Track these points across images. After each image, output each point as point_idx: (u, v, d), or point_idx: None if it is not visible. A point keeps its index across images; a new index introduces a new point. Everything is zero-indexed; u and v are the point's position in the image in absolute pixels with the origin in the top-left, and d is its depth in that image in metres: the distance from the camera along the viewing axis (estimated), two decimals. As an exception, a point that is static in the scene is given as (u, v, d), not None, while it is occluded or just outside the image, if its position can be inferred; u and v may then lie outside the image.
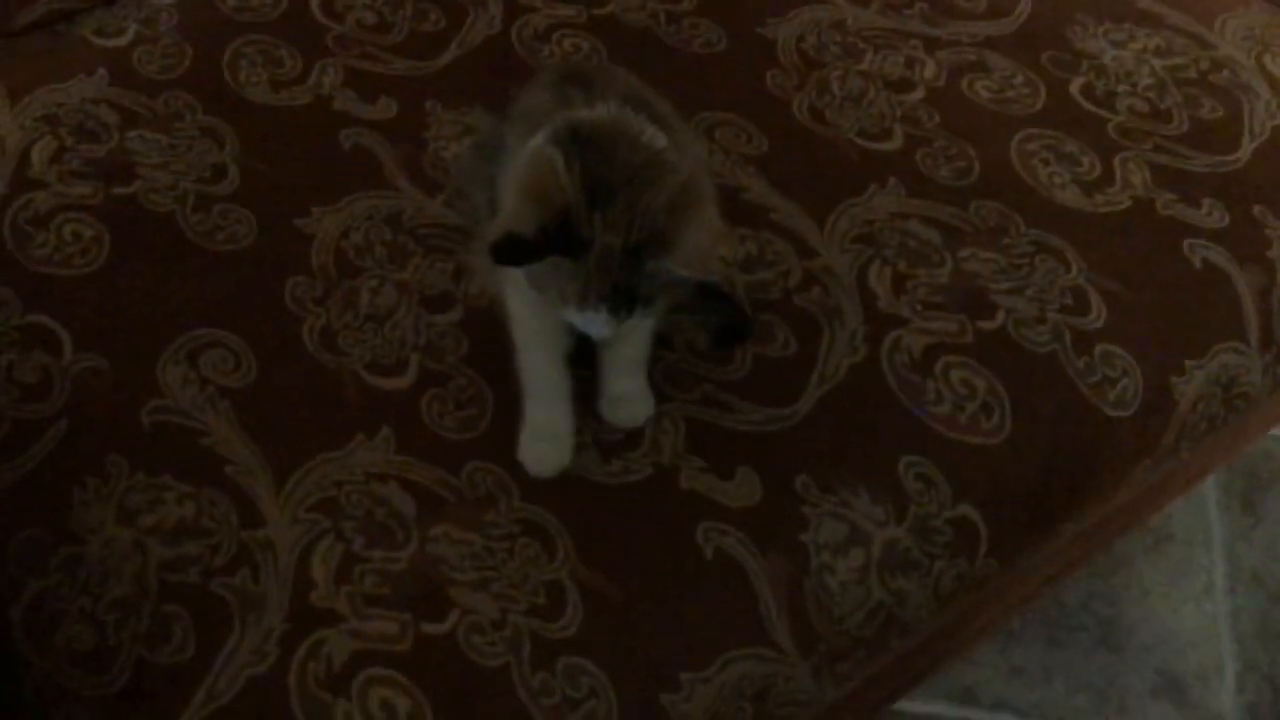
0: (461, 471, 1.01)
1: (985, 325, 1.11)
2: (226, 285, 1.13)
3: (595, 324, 0.90)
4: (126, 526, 0.98)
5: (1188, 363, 1.13)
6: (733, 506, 1.00)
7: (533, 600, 0.95)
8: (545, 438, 1.01)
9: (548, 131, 0.91)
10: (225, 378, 1.06)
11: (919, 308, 1.12)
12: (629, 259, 0.87)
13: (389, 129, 1.26)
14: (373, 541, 0.97)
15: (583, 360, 1.02)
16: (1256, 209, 1.21)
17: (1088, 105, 1.30)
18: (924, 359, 1.09)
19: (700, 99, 1.27)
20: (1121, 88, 1.32)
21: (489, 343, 1.09)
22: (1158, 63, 1.35)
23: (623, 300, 0.88)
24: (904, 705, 1.47)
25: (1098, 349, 1.11)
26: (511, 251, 0.87)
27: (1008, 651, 1.55)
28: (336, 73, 1.31)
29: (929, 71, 1.33)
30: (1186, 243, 1.18)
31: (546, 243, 0.86)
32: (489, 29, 1.36)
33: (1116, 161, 1.24)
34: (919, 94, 1.31)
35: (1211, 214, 1.21)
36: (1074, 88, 1.32)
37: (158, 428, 1.03)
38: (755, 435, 1.04)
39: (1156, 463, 1.15)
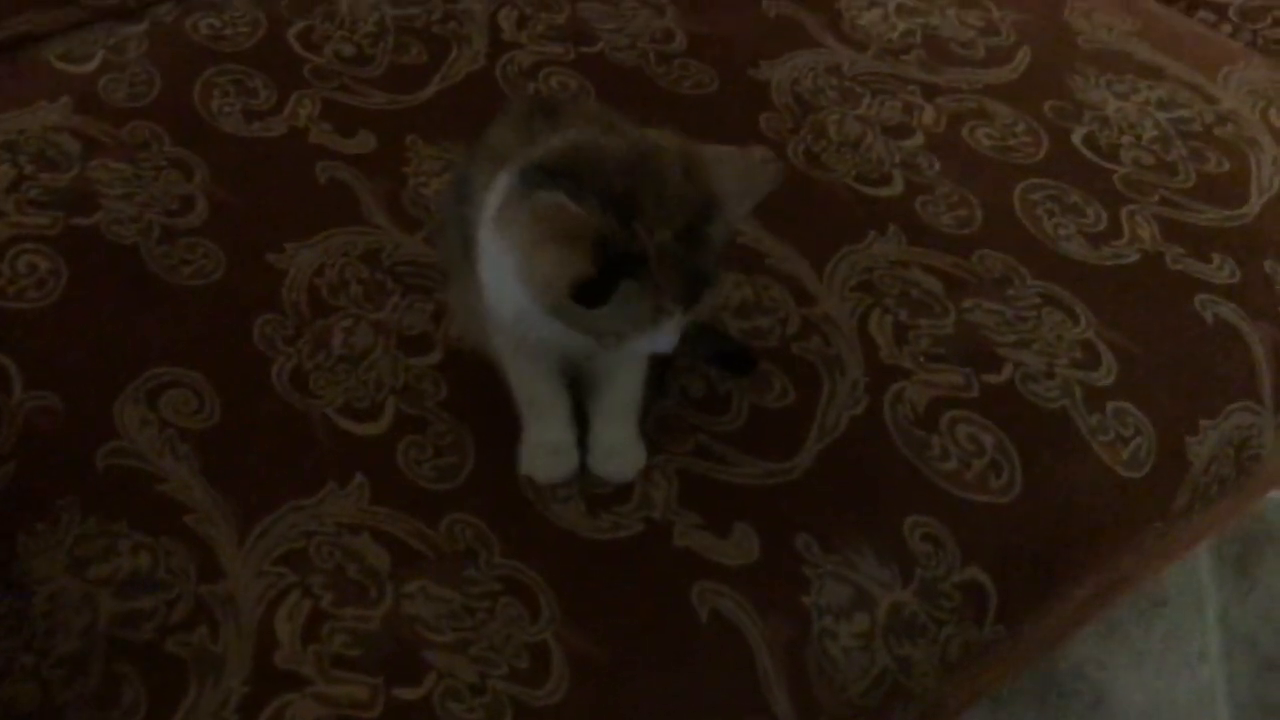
0: (440, 524, 0.94)
1: (992, 379, 1.06)
2: (191, 322, 1.06)
3: (669, 331, 0.85)
4: (76, 577, 0.90)
5: (1202, 422, 1.09)
6: (730, 566, 0.94)
7: (514, 664, 0.88)
8: (548, 448, 0.96)
9: (516, 180, 0.85)
10: (187, 420, 0.99)
11: (922, 359, 1.07)
12: (689, 242, 0.82)
13: (367, 163, 1.20)
14: (343, 598, 0.90)
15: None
16: (1268, 264, 1.17)
17: (1091, 156, 1.26)
18: (928, 413, 1.04)
19: (692, 141, 1.22)
20: (1125, 139, 1.28)
21: (470, 387, 1.03)
22: (1161, 115, 1.31)
23: (696, 289, 0.83)
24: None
25: (1109, 406, 1.06)
26: (589, 294, 0.81)
27: (998, 716, 1.49)
28: (314, 104, 1.25)
29: (928, 117, 1.29)
30: (1198, 298, 1.14)
31: (613, 270, 0.80)
32: (472, 64, 1.31)
33: (1123, 214, 1.20)
34: (918, 140, 1.27)
35: (1222, 269, 1.17)
36: (1076, 138, 1.28)
37: (112, 472, 0.96)
38: (753, 490, 0.98)
39: (1168, 525, 1.10)
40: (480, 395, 1.02)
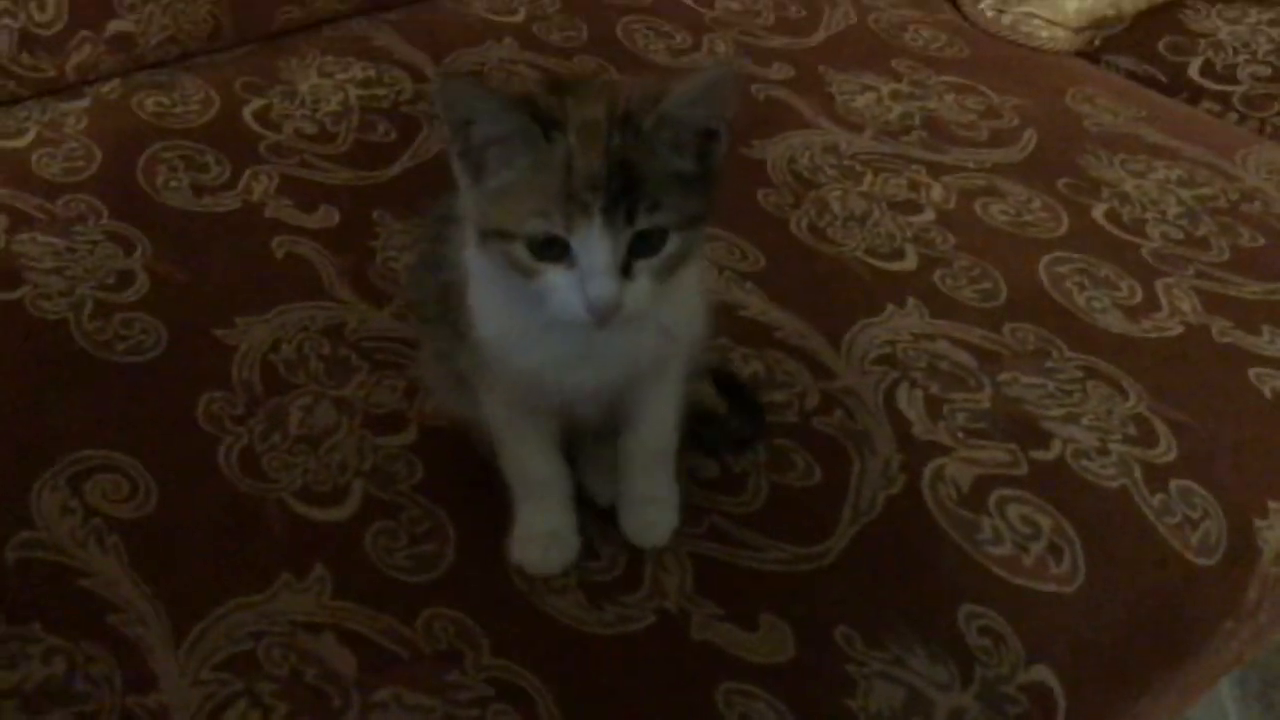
0: (416, 620, 0.79)
1: (1040, 455, 0.94)
2: (124, 401, 0.93)
3: (592, 263, 0.68)
4: (-28, 689, 0.74)
5: (1271, 504, 0.97)
6: (759, 663, 0.80)
7: (509, 785, 0.73)
8: (543, 535, 0.82)
9: None
10: (116, 507, 0.85)
11: (960, 434, 0.95)
12: (621, 126, 0.67)
13: (330, 238, 1.09)
14: (299, 709, 0.75)
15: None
16: (1322, 337, 1.07)
17: (1115, 231, 1.17)
18: (974, 492, 0.91)
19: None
20: (1150, 215, 1.20)
21: (449, 468, 0.89)
22: (1184, 192, 1.23)
23: (620, 185, 0.67)
24: None
25: (1173, 485, 0.94)
26: (456, 85, 0.68)
27: None
28: (270, 180, 1.15)
29: (936, 194, 1.20)
30: (1252, 371, 1.03)
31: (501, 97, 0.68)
32: (445, 142, 1.20)
33: (1159, 286, 1.11)
34: (928, 216, 1.17)
35: (1274, 342, 1.06)
36: (1097, 214, 1.20)
37: (25, 565, 0.81)
38: (780, 577, 0.84)
39: (1238, 625, 0.97)
40: (461, 476, 0.89)
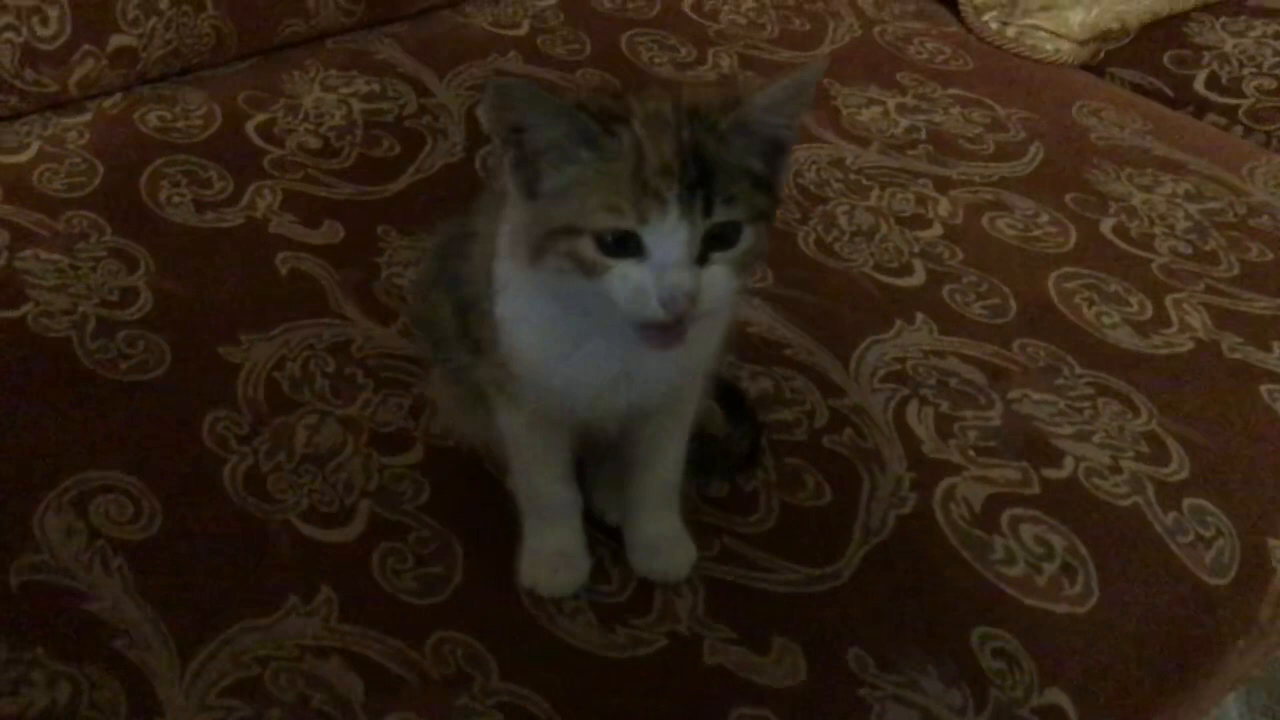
0: (425, 643, 0.78)
1: (1052, 474, 0.93)
2: (128, 420, 0.92)
3: (666, 252, 0.64)
4: (-25, 716, 0.73)
5: (1283, 522, 0.96)
6: (773, 687, 0.79)
7: (520, 812, 0.72)
8: (554, 556, 0.81)
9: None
10: (121, 529, 0.84)
11: (971, 453, 0.94)
12: (691, 120, 0.65)
13: (335, 254, 1.08)
14: (306, 735, 0.74)
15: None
16: (1333, 354, 1.07)
17: (1124, 245, 1.17)
18: (986, 511, 0.90)
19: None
20: (1158, 229, 1.19)
21: (456, 488, 0.88)
22: (1192, 207, 1.22)
23: (695, 174, 0.63)
24: None
25: (1185, 503, 0.93)
26: (505, 86, 0.65)
27: None
28: (274, 195, 1.14)
29: (944, 209, 1.19)
30: (1264, 388, 1.03)
31: (557, 96, 0.65)
32: (449, 157, 1.21)
33: (1168, 302, 1.10)
34: (936, 230, 1.17)
35: (1285, 358, 1.06)
36: (1105, 228, 1.19)
37: (29, 589, 0.80)
38: (792, 598, 0.83)
39: (1250, 644, 0.96)
40: (468, 496, 0.88)
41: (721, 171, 0.65)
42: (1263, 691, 1.59)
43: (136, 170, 1.15)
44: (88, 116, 1.21)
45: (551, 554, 0.82)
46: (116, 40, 1.21)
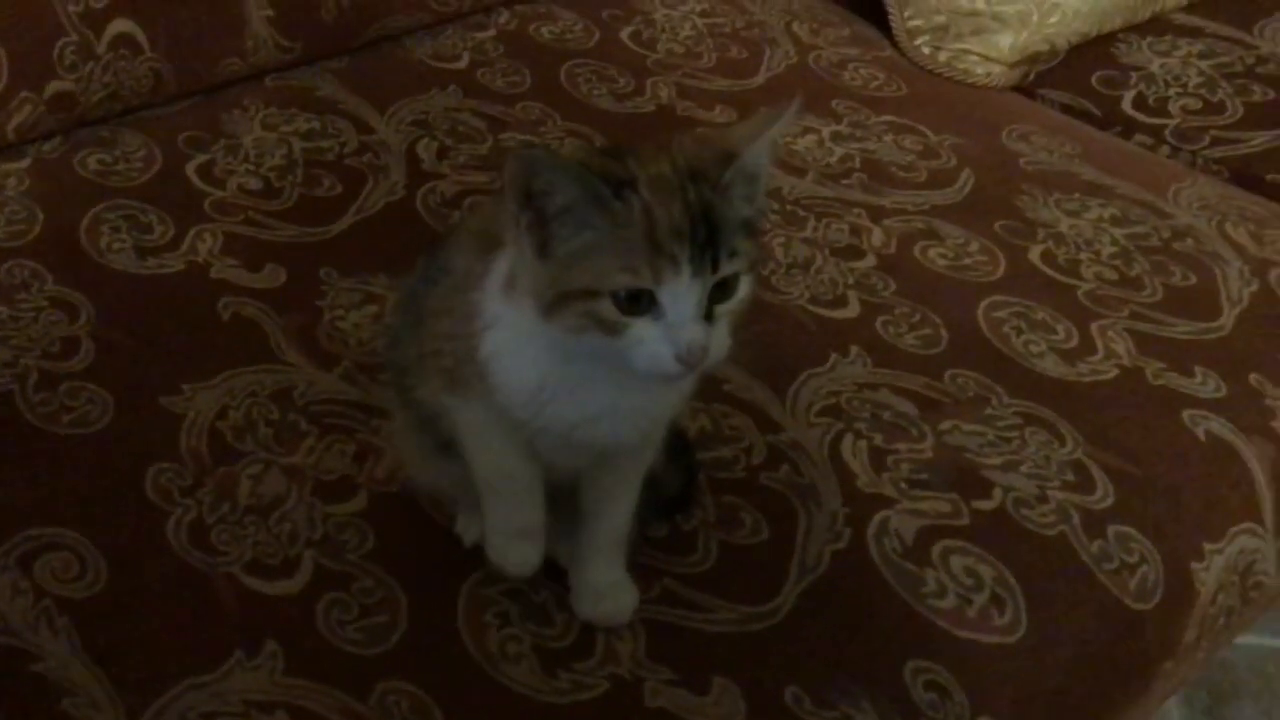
0: (370, 696, 0.80)
1: (982, 505, 0.96)
2: (73, 475, 0.92)
3: (679, 312, 0.68)
4: (-78, 782, 0.74)
5: (1207, 546, 0.99)
6: (712, 728, 0.81)
7: None
8: (520, 534, 0.81)
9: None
10: (66, 587, 0.85)
11: (904, 485, 0.97)
12: (691, 179, 0.69)
13: (276, 298, 1.09)
14: (254, 790, 0.75)
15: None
16: (1253, 378, 1.10)
17: (1051, 272, 1.20)
18: (918, 544, 0.93)
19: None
20: (1084, 255, 1.22)
21: (399, 535, 0.90)
22: (1117, 231, 1.26)
23: (703, 233, 0.68)
24: None
25: (1111, 531, 0.96)
26: (535, 159, 0.69)
27: None
28: (215, 239, 1.14)
29: (877, 239, 1.22)
30: (1186, 414, 1.06)
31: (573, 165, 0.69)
32: (390, 195, 1.22)
33: (1094, 329, 1.13)
34: (870, 261, 1.19)
35: (1206, 383, 1.09)
36: (1034, 255, 1.22)
37: (-26, 651, 0.81)
38: (731, 638, 0.86)
39: (1177, 665, 1.00)
40: (412, 544, 0.90)
41: (724, 226, 0.70)
42: (1204, 693, 1.63)
43: (77, 216, 1.15)
44: (26, 162, 1.21)
45: (516, 529, 0.82)
46: (54, 86, 1.21)
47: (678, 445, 0.95)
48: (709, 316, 0.70)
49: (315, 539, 0.89)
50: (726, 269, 0.70)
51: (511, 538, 0.81)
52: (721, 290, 0.71)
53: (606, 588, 0.84)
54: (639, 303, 0.69)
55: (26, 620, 0.83)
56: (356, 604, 0.85)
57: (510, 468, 0.80)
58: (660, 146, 0.72)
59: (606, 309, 0.69)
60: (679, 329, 0.69)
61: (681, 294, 0.69)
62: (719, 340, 0.71)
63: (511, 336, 0.75)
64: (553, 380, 0.75)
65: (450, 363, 0.79)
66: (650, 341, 0.70)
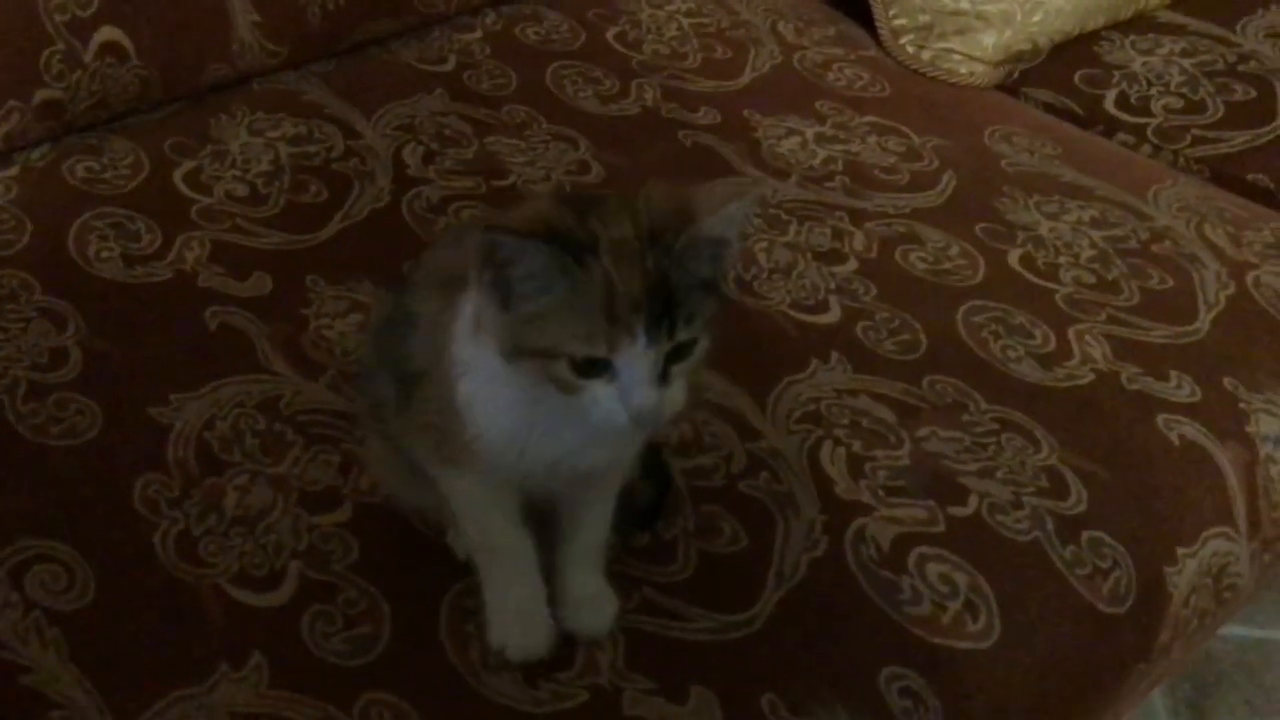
0: (354, 707, 0.82)
1: (958, 511, 0.98)
2: (61, 487, 0.94)
3: (634, 378, 0.71)
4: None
5: (1179, 550, 1.01)
6: (689, 736, 0.82)
7: None
8: (525, 617, 0.83)
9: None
10: (55, 599, 0.86)
11: (881, 493, 0.98)
12: (651, 244, 0.70)
13: (263, 306, 1.10)
14: (240, 801, 0.77)
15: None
16: (1227, 381, 1.12)
17: (1030, 277, 1.21)
18: (894, 551, 0.94)
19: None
20: (1063, 259, 1.23)
21: (384, 545, 0.91)
22: (1096, 234, 1.27)
23: (660, 305, 0.69)
24: None
25: (1084, 536, 0.98)
26: (500, 242, 0.70)
27: None
28: (202, 247, 1.15)
29: (859, 243, 1.23)
30: (1160, 418, 1.08)
31: (540, 236, 0.70)
32: (375, 201, 1.23)
33: (1071, 334, 1.14)
34: (851, 266, 1.20)
35: (1181, 387, 1.11)
36: (1013, 259, 1.23)
37: (-36, 664, 0.82)
38: (709, 646, 0.87)
39: (1150, 666, 1.01)
40: (396, 554, 0.91)
41: (682, 293, 0.71)
42: (1187, 684, 1.65)
43: (65, 225, 1.16)
44: (14, 170, 1.22)
45: (517, 612, 0.84)
46: (42, 94, 1.22)
47: (651, 455, 0.96)
48: (664, 376, 0.72)
49: (301, 550, 0.90)
50: (683, 335, 0.71)
51: (513, 619, 0.83)
52: (677, 352, 0.72)
53: (587, 598, 0.86)
54: (595, 367, 0.71)
55: (16, 632, 0.84)
56: (341, 615, 0.87)
57: (506, 542, 0.82)
58: (626, 200, 0.73)
59: (563, 370, 0.71)
60: (633, 393, 0.71)
61: (636, 361, 0.70)
62: (673, 398, 0.73)
63: (485, 382, 0.76)
64: (528, 421, 0.76)
65: (439, 437, 0.80)
66: (605, 401, 0.72)
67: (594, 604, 0.86)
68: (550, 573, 0.86)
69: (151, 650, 0.84)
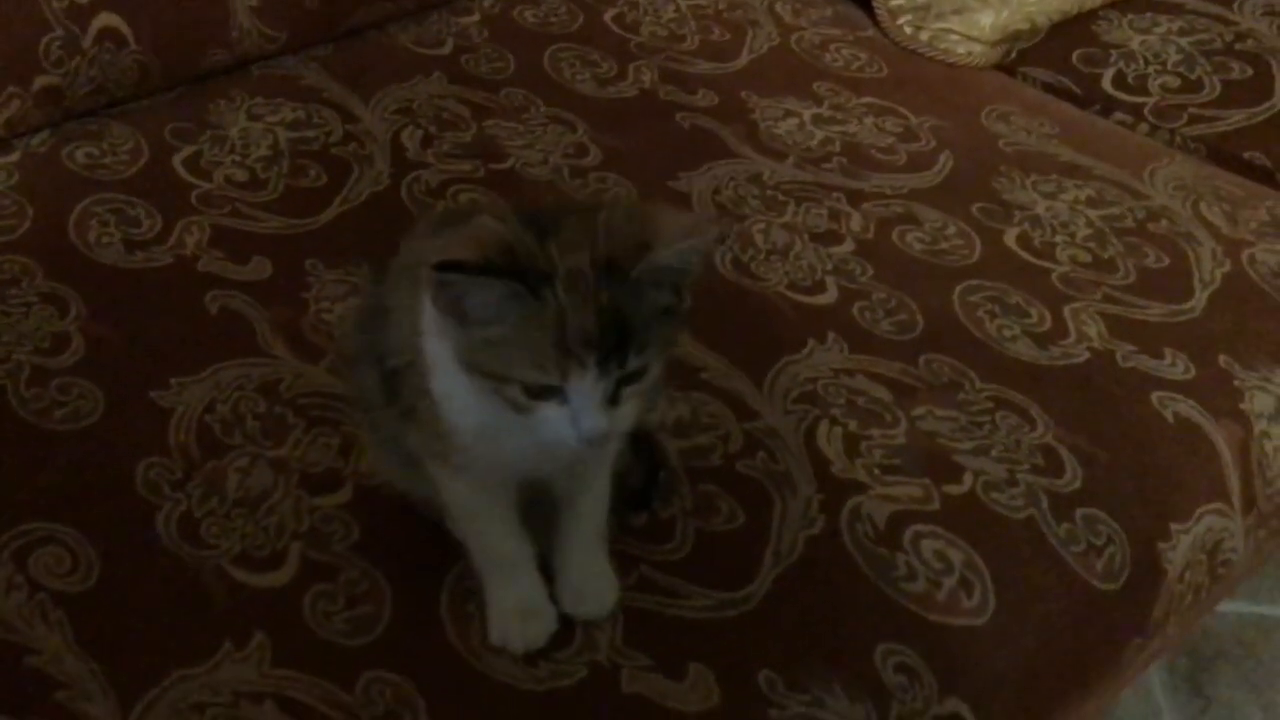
0: (355, 685, 0.83)
1: (953, 489, 0.98)
2: (64, 471, 0.95)
3: (584, 404, 0.72)
4: (-77, 774, 0.77)
5: (1173, 527, 1.02)
6: (687, 711, 0.83)
7: (448, 844, 0.76)
8: (524, 614, 0.84)
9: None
10: (60, 581, 0.87)
11: (877, 471, 0.99)
12: (607, 275, 0.70)
13: (263, 290, 1.11)
14: (243, 778, 0.78)
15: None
16: (1222, 359, 1.12)
17: (1027, 256, 1.22)
18: (890, 529, 0.95)
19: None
20: (1060, 238, 1.24)
21: (384, 526, 0.92)
22: (1092, 213, 1.27)
23: (612, 337, 0.70)
24: None
25: (1078, 513, 0.99)
26: (453, 279, 0.70)
27: None
28: (202, 232, 1.16)
29: (855, 224, 1.24)
30: (1155, 395, 1.08)
31: (494, 270, 0.70)
32: (375, 185, 1.24)
33: (1066, 312, 1.15)
34: (848, 246, 1.21)
35: (1176, 365, 1.11)
36: (1009, 238, 1.24)
37: (-29, 645, 0.83)
38: (706, 624, 0.88)
39: (1146, 641, 1.02)
40: (396, 535, 0.92)
41: (637, 323, 0.71)
42: (1185, 660, 1.66)
43: (66, 210, 1.17)
44: (15, 156, 1.23)
45: (516, 609, 0.85)
46: (41, 80, 1.23)
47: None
48: (615, 399, 0.73)
49: (302, 531, 0.91)
50: (634, 364, 0.72)
51: (513, 618, 0.84)
52: (631, 376, 0.73)
53: (587, 582, 0.86)
54: (546, 391, 0.72)
55: (21, 614, 0.85)
56: (342, 595, 0.87)
57: (503, 548, 0.84)
58: (586, 224, 0.72)
59: (515, 393, 0.73)
60: (582, 417, 0.72)
61: (586, 389, 0.71)
62: (623, 419, 0.74)
63: (453, 377, 0.77)
64: (495, 418, 0.77)
65: (423, 429, 0.81)
66: (555, 421, 0.73)
67: (595, 588, 0.87)
68: (551, 553, 0.86)
69: (155, 630, 0.85)
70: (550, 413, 0.73)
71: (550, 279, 0.70)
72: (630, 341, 0.71)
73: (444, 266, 0.70)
